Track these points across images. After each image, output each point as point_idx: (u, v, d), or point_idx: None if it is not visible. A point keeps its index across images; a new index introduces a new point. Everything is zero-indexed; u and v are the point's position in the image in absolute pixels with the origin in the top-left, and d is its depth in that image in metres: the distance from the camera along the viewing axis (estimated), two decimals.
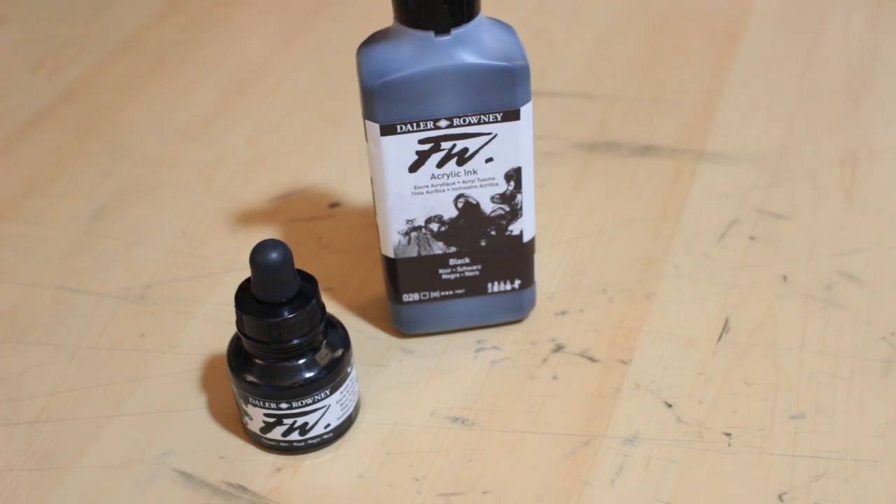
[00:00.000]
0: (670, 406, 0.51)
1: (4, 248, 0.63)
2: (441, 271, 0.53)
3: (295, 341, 0.47)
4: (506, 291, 0.54)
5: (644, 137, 0.67)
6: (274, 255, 0.46)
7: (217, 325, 0.56)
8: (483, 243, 0.52)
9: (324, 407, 0.49)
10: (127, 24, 0.83)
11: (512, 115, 0.48)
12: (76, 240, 0.63)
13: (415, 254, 0.52)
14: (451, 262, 0.52)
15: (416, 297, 0.53)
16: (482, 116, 0.48)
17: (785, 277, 0.57)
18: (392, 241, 0.51)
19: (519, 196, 0.51)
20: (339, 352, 0.49)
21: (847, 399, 0.51)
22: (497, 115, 0.48)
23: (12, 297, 0.59)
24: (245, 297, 0.47)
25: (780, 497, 0.47)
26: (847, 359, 0.53)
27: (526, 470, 0.49)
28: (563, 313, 0.56)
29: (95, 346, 0.56)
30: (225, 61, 0.78)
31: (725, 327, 0.55)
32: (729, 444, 0.49)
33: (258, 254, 0.46)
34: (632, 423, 0.50)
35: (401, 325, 0.55)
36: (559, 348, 0.54)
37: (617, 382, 0.52)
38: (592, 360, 0.53)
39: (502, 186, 0.50)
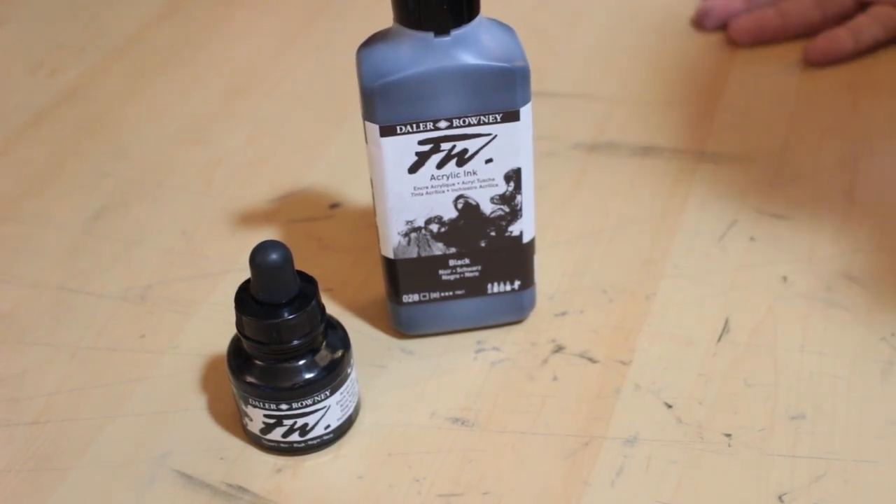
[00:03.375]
0: (670, 407, 0.51)
1: (4, 249, 0.63)
2: (441, 272, 0.53)
3: (295, 342, 0.47)
4: (506, 292, 0.54)
5: (644, 138, 0.67)
6: (273, 256, 0.46)
7: (217, 326, 0.56)
8: (483, 244, 0.52)
9: (324, 408, 0.49)
10: (127, 25, 0.83)
11: (512, 115, 0.48)
12: (76, 240, 0.63)
13: (414, 254, 0.52)
14: (451, 262, 0.52)
15: (415, 297, 0.53)
16: (482, 117, 0.48)
17: (785, 278, 0.57)
18: (392, 241, 0.51)
19: (519, 197, 0.51)
20: (339, 353, 0.49)
21: (847, 400, 0.51)
22: (497, 115, 0.48)
23: (12, 297, 0.59)
24: (245, 298, 0.47)
25: (780, 498, 0.47)
26: (847, 359, 0.53)
27: (526, 471, 0.49)
28: (563, 314, 0.56)
29: (95, 347, 0.56)
30: (225, 61, 0.78)
31: (725, 328, 0.55)
32: (729, 445, 0.49)
33: (258, 255, 0.46)
34: (632, 423, 0.50)
35: (401, 325, 0.55)
36: (559, 349, 0.54)
37: (617, 383, 0.52)
38: (592, 360, 0.53)
39: (502, 187, 0.50)
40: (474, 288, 0.53)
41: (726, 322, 0.55)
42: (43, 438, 0.51)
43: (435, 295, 0.53)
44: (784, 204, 0.62)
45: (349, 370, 0.50)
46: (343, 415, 0.50)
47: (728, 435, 0.50)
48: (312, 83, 0.75)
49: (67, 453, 0.51)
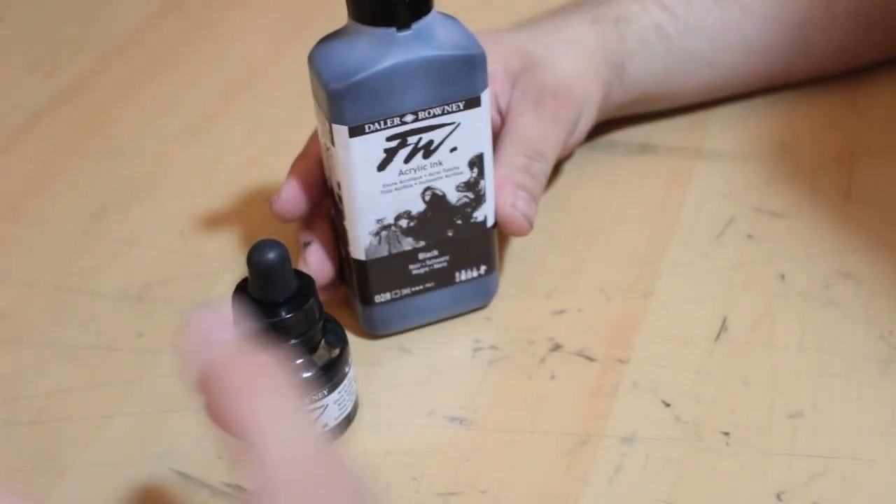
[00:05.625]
0: (668, 405, 0.51)
1: (3, 248, 0.63)
2: (411, 267, 0.53)
3: (292, 341, 0.47)
4: (472, 279, 0.54)
5: (641, 136, 0.67)
6: (271, 255, 0.46)
7: None
8: (450, 233, 0.52)
9: (321, 407, 0.49)
10: (125, 24, 0.83)
11: (473, 102, 0.49)
12: (74, 240, 0.63)
13: (385, 253, 0.52)
14: (421, 256, 0.53)
15: (387, 296, 0.53)
16: (446, 107, 0.49)
17: (783, 276, 0.57)
18: (363, 242, 0.51)
19: (482, 182, 0.52)
20: (337, 352, 0.49)
21: (845, 398, 0.51)
22: (460, 103, 0.49)
23: (10, 296, 0.59)
24: (242, 297, 0.47)
25: (778, 496, 0.47)
26: (845, 357, 0.53)
27: (524, 469, 0.49)
28: (561, 312, 0.56)
29: (93, 346, 0.56)
30: (224, 61, 0.78)
31: (723, 326, 0.55)
32: (727, 444, 0.49)
33: (255, 254, 0.46)
34: (630, 422, 0.50)
35: (373, 327, 0.55)
36: (557, 347, 0.54)
37: (615, 381, 0.52)
38: (590, 359, 0.53)
39: (466, 174, 0.51)
40: (443, 279, 0.54)
41: (724, 320, 0.55)
42: (41, 438, 0.51)
43: (406, 291, 0.54)
44: (782, 202, 0.62)
45: (347, 369, 0.50)
46: (341, 414, 0.50)
47: (726, 433, 0.50)
48: None
49: (65, 453, 0.51)
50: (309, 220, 0.56)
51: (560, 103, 0.58)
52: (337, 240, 0.55)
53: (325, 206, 0.56)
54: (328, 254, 0.55)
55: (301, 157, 0.57)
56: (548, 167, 0.57)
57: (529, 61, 0.59)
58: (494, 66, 0.56)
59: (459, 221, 0.52)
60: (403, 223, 0.51)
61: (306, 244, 0.55)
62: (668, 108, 0.67)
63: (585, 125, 0.63)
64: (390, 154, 0.49)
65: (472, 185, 0.52)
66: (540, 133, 0.57)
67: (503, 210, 0.54)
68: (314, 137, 0.57)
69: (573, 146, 0.63)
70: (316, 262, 0.55)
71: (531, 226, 0.55)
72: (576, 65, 0.59)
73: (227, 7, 0.84)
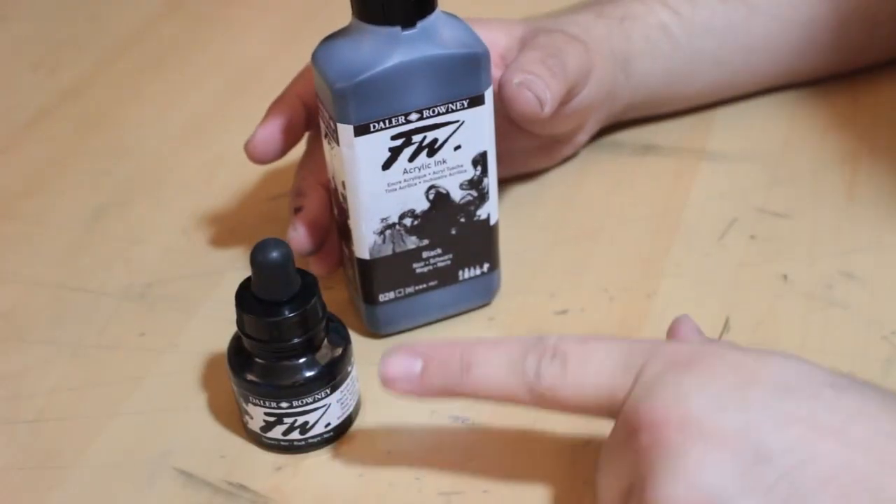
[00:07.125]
0: None
1: (5, 247, 0.63)
2: (415, 265, 0.53)
3: (295, 340, 0.47)
4: (475, 277, 0.54)
5: (645, 136, 0.67)
6: (274, 254, 0.46)
7: (217, 324, 0.56)
8: (453, 231, 0.52)
9: (324, 406, 0.49)
10: (127, 23, 0.83)
11: (477, 100, 0.49)
12: (76, 238, 0.63)
13: (390, 251, 0.52)
14: (424, 254, 0.53)
15: (391, 295, 0.53)
16: (450, 105, 0.49)
17: (785, 276, 0.57)
18: (367, 242, 0.51)
19: (486, 180, 0.52)
20: (340, 351, 0.49)
21: None
22: (464, 102, 0.49)
23: (12, 295, 0.59)
24: (245, 296, 0.47)
25: None
26: (847, 358, 0.52)
27: (526, 469, 0.49)
28: (564, 312, 0.56)
29: (96, 345, 0.56)
30: (225, 60, 0.78)
31: (726, 326, 0.55)
32: None
33: (259, 253, 0.46)
34: None
35: (377, 326, 0.55)
36: None
37: None
38: None
39: (470, 172, 0.51)
40: (446, 277, 0.54)
41: (727, 321, 0.55)
42: (44, 437, 0.51)
43: (410, 290, 0.54)
44: (784, 202, 0.62)
45: (350, 368, 0.50)
46: (343, 413, 0.50)
47: None
48: None
49: (68, 452, 0.51)
50: (301, 184, 0.56)
51: (573, 43, 0.57)
52: (329, 206, 0.54)
53: (317, 166, 0.55)
54: (318, 221, 0.54)
55: (279, 99, 0.57)
56: (565, 70, 0.54)
57: (535, 30, 0.58)
58: (499, 33, 0.55)
59: (463, 219, 0.52)
60: (408, 222, 0.51)
61: (297, 209, 0.55)
62: (674, 111, 0.67)
63: (593, 126, 0.63)
64: (395, 153, 0.49)
65: (475, 183, 0.52)
66: (553, 43, 0.55)
67: (506, 89, 0.52)
68: (295, 81, 0.57)
69: (579, 141, 0.63)
70: (305, 230, 0.54)
71: (543, 107, 0.52)
72: (584, 46, 0.59)
73: (228, 7, 0.84)
